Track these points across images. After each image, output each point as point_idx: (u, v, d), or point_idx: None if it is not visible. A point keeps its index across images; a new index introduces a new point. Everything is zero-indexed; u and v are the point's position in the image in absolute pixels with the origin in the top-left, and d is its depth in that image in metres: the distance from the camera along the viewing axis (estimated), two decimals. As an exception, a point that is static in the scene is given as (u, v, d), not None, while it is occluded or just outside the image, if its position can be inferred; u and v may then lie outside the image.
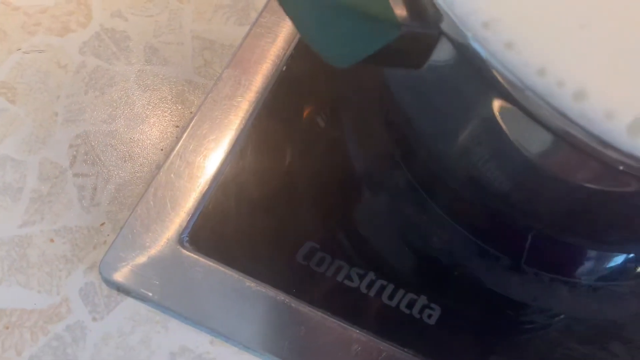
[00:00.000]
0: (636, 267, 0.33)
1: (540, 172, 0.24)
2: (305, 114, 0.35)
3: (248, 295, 0.30)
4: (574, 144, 0.19)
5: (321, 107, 0.36)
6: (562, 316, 0.32)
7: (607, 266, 0.33)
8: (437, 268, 0.32)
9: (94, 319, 0.30)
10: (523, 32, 0.19)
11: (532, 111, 0.19)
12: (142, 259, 0.30)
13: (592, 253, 0.33)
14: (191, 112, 0.35)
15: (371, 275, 0.31)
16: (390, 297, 0.31)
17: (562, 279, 0.33)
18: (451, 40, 0.20)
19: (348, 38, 0.21)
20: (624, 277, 0.33)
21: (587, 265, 0.33)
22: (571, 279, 0.33)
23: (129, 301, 0.30)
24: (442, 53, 0.22)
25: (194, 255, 0.31)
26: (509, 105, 0.20)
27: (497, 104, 0.22)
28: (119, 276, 0.30)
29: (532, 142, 0.22)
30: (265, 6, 0.37)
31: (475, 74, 0.20)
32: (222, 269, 0.30)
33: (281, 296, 0.30)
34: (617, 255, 0.33)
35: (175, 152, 0.33)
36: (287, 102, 0.35)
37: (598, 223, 0.27)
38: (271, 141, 0.34)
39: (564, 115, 0.18)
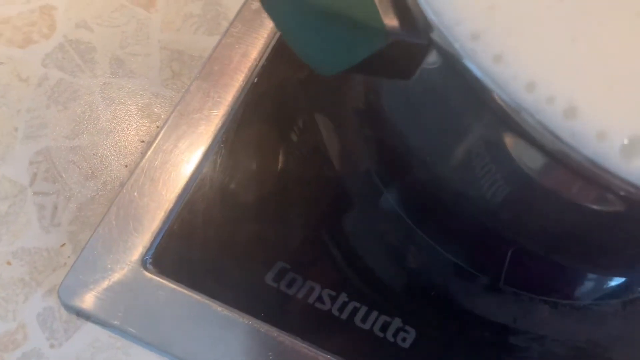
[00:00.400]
0: (619, 286, 0.32)
1: (531, 189, 0.22)
2: (277, 127, 0.34)
3: (214, 320, 0.29)
4: (565, 164, 0.18)
5: (294, 121, 0.34)
6: (542, 338, 0.31)
7: (589, 286, 0.32)
8: (412, 288, 0.31)
9: (52, 346, 0.28)
10: (512, 45, 0.18)
11: (522, 128, 0.18)
12: (103, 282, 0.29)
13: (573, 272, 0.32)
14: (157, 127, 0.34)
15: (343, 297, 0.30)
16: (363, 320, 0.30)
17: (542, 298, 0.31)
18: (440, 51, 0.19)
19: (334, 45, 0.20)
20: (606, 296, 0.32)
21: (568, 284, 0.32)
22: (551, 299, 0.31)
23: (89, 326, 0.29)
24: (432, 64, 0.21)
25: (157, 278, 0.29)
26: (499, 121, 0.19)
27: (487, 118, 0.21)
28: (79, 300, 0.29)
29: (523, 157, 0.21)
30: (237, 16, 0.36)
31: (465, 87, 0.19)
32: (187, 292, 0.29)
33: (249, 320, 0.29)
34: (598, 278, 0.31)
35: (139, 168, 0.31)
36: (258, 115, 0.34)
37: (588, 244, 0.26)
38: (241, 157, 0.33)
39: (553, 134, 0.17)
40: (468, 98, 0.21)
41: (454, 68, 0.18)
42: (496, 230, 0.29)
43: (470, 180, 0.25)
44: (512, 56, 0.18)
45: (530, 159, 0.21)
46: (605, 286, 0.32)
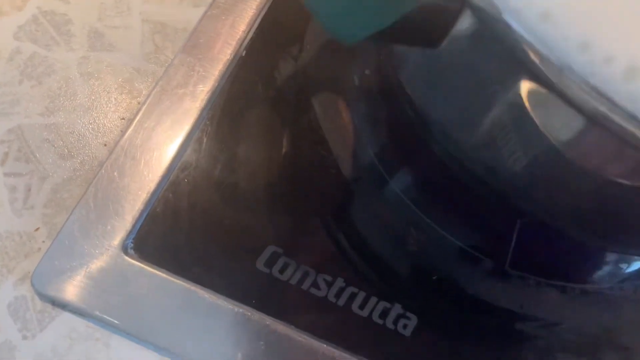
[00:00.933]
0: (632, 269, 0.30)
1: (570, 163, 0.21)
2: (267, 104, 0.32)
3: (201, 308, 0.27)
4: (617, 133, 0.16)
5: (286, 98, 0.32)
6: (551, 324, 0.29)
7: (600, 268, 0.30)
8: (413, 273, 0.29)
9: (25, 337, 0.26)
10: (562, 1, 0.16)
11: (570, 94, 0.16)
12: (80, 268, 0.27)
13: (582, 255, 0.30)
14: (139, 103, 0.31)
15: (340, 282, 0.28)
16: (362, 307, 0.28)
17: (550, 282, 0.30)
18: (476, 12, 0.17)
19: (359, 10, 0.18)
20: (617, 279, 0.30)
21: (578, 267, 0.30)
22: (560, 283, 0.30)
23: (65, 316, 0.26)
24: (464, 28, 0.19)
25: (139, 264, 0.27)
26: (541, 87, 0.18)
27: (527, 85, 0.19)
28: (54, 289, 0.27)
29: (566, 128, 0.19)
30: (223, -14, 0.34)
31: (504, 51, 0.18)
32: (172, 278, 0.27)
33: (239, 308, 0.27)
34: (610, 256, 0.30)
35: (119, 147, 0.29)
36: (247, 91, 0.32)
37: (624, 222, 0.24)
38: (229, 135, 0.31)
39: (609, 98, 0.15)
40: (506, 63, 0.19)
41: (492, 30, 0.17)
42: (522, 207, 0.27)
43: (501, 154, 0.23)
44: (562, 13, 0.16)
45: (576, 129, 0.19)
46: (616, 269, 0.30)
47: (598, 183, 0.21)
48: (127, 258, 0.27)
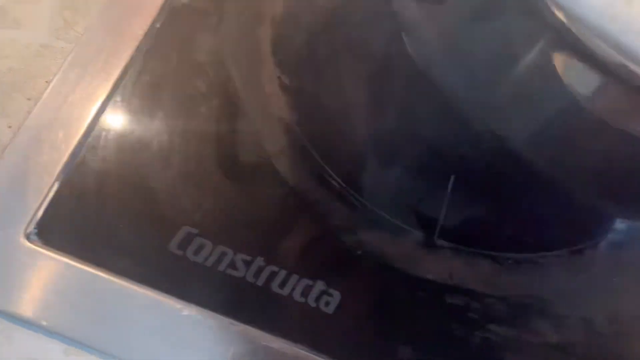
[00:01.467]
0: (564, 236, 0.29)
1: (592, 119, 0.20)
2: (183, 78, 0.30)
3: (109, 294, 0.25)
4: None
5: (203, 69, 0.31)
6: (482, 295, 0.28)
7: (532, 237, 0.29)
8: (336, 248, 0.28)
9: None
10: None
11: (594, 47, 0.16)
12: (-20, 258, 0.26)
13: (514, 223, 0.29)
14: (47, 82, 0.30)
15: (259, 262, 0.27)
16: (282, 285, 0.27)
17: (481, 252, 0.29)
18: None
19: None
20: (550, 248, 0.29)
21: (509, 236, 0.29)
22: (492, 252, 0.29)
23: (-35, 310, 0.25)
24: None
25: (42, 251, 0.26)
26: (563, 41, 0.17)
27: (549, 40, 0.18)
28: (-47, 280, 0.25)
29: (589, 82, 0.19)
30: (137, -45, 0.32)
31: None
32: (78, 264, 0.26)
33: (150, 293, 0.25)
34: (544, 225, 0.29)
35: (23, 128, 0.28)
36: (162, 65, 0.30)
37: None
38: (141, 112, 0.29)
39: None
40: (528, 17, 0.18)
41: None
42: (537, 165, 0.25)
43: (516, 114, 0.22)
44: None
45: (597, 82, 0.18)
46: (548, 238, 0.29)
47: (618, 139, 0.20)
48: (30, 244, 0.26)
